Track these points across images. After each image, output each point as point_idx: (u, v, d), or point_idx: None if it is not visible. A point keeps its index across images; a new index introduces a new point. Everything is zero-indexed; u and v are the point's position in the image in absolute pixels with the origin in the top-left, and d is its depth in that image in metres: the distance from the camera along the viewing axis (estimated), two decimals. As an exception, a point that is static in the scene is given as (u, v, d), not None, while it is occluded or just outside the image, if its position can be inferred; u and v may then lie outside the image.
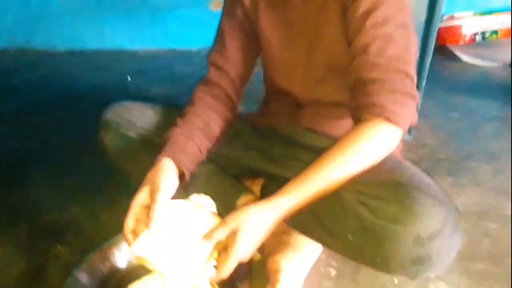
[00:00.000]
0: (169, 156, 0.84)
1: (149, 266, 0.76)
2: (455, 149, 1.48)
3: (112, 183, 1.28)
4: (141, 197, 0.79)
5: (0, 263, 1.02)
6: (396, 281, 0.92)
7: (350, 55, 0.80)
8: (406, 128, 0.78)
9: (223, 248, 0.74)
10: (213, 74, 0.97)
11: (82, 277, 0.87)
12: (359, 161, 0.76)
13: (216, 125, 0.95)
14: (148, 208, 0.78)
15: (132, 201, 0.79)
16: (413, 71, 0.79)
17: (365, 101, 0.77)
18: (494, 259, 0.97)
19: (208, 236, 0.74)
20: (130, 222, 0.80)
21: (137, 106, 1.03)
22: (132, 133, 0.99)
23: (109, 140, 1.00)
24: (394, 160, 0.83)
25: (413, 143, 1.47)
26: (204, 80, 0.99)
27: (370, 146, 0.76)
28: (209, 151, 0.96)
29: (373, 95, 0.76)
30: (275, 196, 0.75)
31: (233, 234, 0.72)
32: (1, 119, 1.85)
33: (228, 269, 0.72)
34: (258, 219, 0.73)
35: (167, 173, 0.82)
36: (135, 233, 0.79)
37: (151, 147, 0.94)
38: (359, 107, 0.78)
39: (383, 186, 0.75)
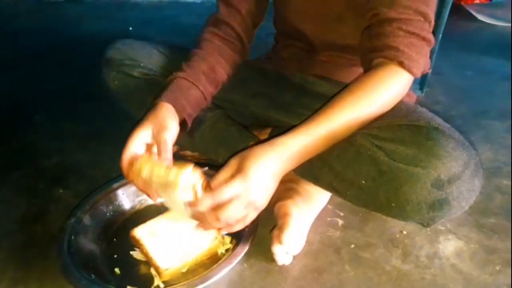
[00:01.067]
0: (170, 101, 0.80)
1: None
2: (468, 106, 1.44)
3: (115, 127, 1.24)
4: (144, 133, 0.75)
5: (1, 206, 0.99)
6: (405, 232, 0.90)
7: None
8: (419, 75, 0.74)
9: None
10: (222, 11, 0.91)
11: (85, 218, 0.85)
12: (370, 105, 0.72)
13: (222, 70, 0.90)
14: (149, 145, 0.75)
15: (132, 134, 0.75)
16: (432, 14, 0.74)
17: (380, 43, 0.73)
18: (505, 214, 0.95)
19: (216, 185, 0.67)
20: (127, 155, 0.75)
21: (142, 45, 0.98)
22: (135, 72, 0.95)
23: (111, 79, 0.96)
24: (410, 105, 0.79)
25: (425, 100, 1.43)
26: (212, 19, 0.93)
27: (382, 90, 0.73)
28: (214, 97, 0.92)
29: (390, 36, 0.71)
30: (283, 137, 0.70)
31: (239, 167, 0.66)
32: (1, 65, 1.79)
33: (245, 224, 0.69)
34: (264, 156, 0.67)
35: (169, 116, 0.78)
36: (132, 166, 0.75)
37: (156, 87, 0.90)
38: (373, 48, 0.74)
39: (400, 129, 0.71)
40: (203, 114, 0.95)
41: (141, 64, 0.96)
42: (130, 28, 2.23)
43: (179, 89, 0.83)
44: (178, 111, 0.80)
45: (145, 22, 2.35)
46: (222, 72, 0.91)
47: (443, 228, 0.91)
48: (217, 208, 0.65)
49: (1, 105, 1.46)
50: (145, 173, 0.71)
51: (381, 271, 0.81)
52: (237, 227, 0.68)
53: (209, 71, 0.88)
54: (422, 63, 0.72)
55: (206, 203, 0.65)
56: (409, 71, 0.71)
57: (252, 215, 0.68)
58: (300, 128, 0.71)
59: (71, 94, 1.51)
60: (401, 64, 0.71)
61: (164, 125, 0.75)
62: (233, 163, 0.68)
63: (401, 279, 0.80)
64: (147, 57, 0.97)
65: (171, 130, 0.75)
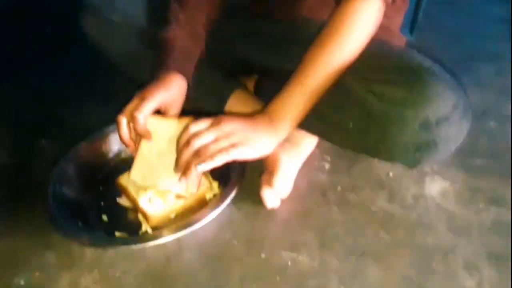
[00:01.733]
0: (179, 69, 0.78)
1: None
2: (458, 49, 1.42)
3: (96, 77, 1.22)
4: (153, 105, 0.74)
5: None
6: (391, 174, 0.90)
7: None
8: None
9: None
10: None
11: (70, 168, 0.83)
12: (351, 40, 0.72)
13: (202, 29, 0.88)
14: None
15: (142, 104, 0.73)
16: None
17: None
18: (491, 155, 0.96)
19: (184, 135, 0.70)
20: (124, 130, 0.75)
21: None
22: (113, 17, 0.90)
23: (89, 24, 0.92)
24: (402, 47, 0.77)
25: (415, 43, 1.39)
26: None
27: (358, 23, 0.72)
28: None
29: None
30: (273, 103, 0.73)
31: None
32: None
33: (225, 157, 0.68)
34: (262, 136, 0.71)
35: (179, 92, 0.78)
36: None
37: (136, 33, 0.86)
38: None
39: (391, 70, 0.71)
40: None
41: (120, 7, 0.91)
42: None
43: (185, 53, 0.81)
44: (186, 77, 0.79)
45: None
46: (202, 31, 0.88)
47: (429, 169, 0.91)
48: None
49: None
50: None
51: (368, 212, 0.82)
52: (216, 159, 0.66)
53: (207, 23, 0.85)
54: None
55: (184, 137, 0.68)
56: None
57: (232, 150, 0.67)
58: (292, 84, 0.72)
59: (48, 43, 1.44)
60: None
61: (175, 104, 0.76)
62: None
63: (387, 219, 0.81)
64: (125, 1, 0.92)
65: (179, 108, 0.77)
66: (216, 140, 0.67)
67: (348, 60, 0.73)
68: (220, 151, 0.66)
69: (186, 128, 0.69)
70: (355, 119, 0.74)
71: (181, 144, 0.68)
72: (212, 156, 0.65)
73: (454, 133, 0.69)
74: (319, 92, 0.73)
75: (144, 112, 0.71)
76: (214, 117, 0.70)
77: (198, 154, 0.66)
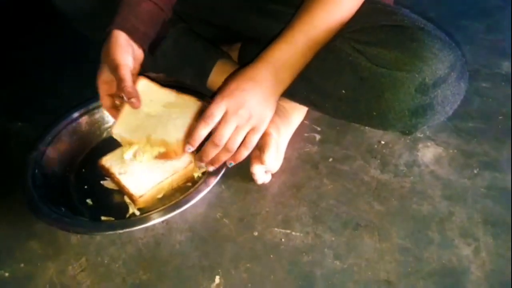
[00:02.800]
0: (119, 26, 0.69)
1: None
2: (447, 7, 1.37)
3: (70, 51, 1.16)
4: (104, 76, 0.70)
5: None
6: (383, 142, 0.88)
7: None
8: None
9: None
10: None
11: (49, 151, 0.79)
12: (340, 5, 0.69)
13: None
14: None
15: (97, 80, 0.71)
16: None
17: None
18: (484, 117, 0.94)
19: (205, 120, 0.65)
20: (105, 99, 0.72)
21: None
22: None
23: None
24: (393, 6, 0.73)
25: (402, 1, 1.34)
26: None
27: None
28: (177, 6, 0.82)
29: None
30: (264, 58, 0.68)
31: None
32: None
33: (205, 131, 0.66)
34: (260, 94, 0.67)
35: (120, 49, 0.68)
36: (116, 108, 0.74)
37: (108, 2, 0.80)
38: None
39: (383, 30, 0.67)
40: (163, 29, 0.85)
41: None
42: None
43: (127, 6, 0.71)
44: (131, 34, 0.70)
45: None
46: None
47: (422, 135, 0.89)
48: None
49: None
50: None
51: (360, 182, 0.80)
52: (243, 153, 0.68)
53: None
54: None
55: (201, 132, 0.66)
56: None
57: (253, 137, 0.68)
58: (282, 39, 0.68)
59: (18, 19, 1.35)
60: None
61: (116, 63, 0.66)
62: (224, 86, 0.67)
63: (380, 188, 0.79)
64: None
65: (125, 65, 0.67)
66: (237, 128, 0.66)
67: (347, 15, 0.69)
68: (245, 144, 0.68)
69: (203, 119, 0.66)
70: (347, 85, 0.71)
71: (201, 136, 0.67)
72: (240, 153, 0.68)
73: (451, 95, 0.67)
74: (318, 46, 0.69)
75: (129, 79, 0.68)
76: (224, 95, 0.66)
77: (227, 149, 0.67)
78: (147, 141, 0.72)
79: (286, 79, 0.69)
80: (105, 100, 0.73)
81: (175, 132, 0.71)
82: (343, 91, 0.71)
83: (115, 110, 0.74)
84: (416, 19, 0.70)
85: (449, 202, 0.76)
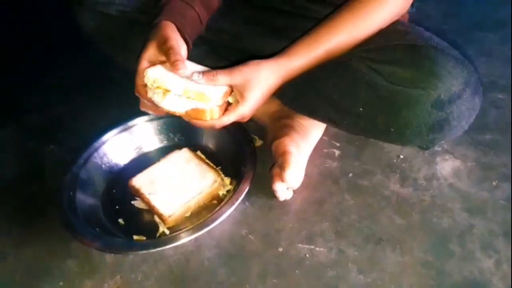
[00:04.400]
0: (169, 19, 0.72)
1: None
2: (461, 19, 1.38)
3: (97, 77, 1.20)
4: (149, 53, 0.70)
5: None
6: (402, 156, 0.90)
7: None
8: None
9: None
10: None
11: (82, 173, 0.84)
12: (366, 23, 0.72)
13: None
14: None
15: (139, 58, 0.70)
16: None
17: None
18: (501, 129, 0.95)
19: (210, 77, 0.68)
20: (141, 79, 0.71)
21: None
22: (112, 11, 0.87)
23: (86, 20, 0.89)
24: (406, 24, 0.76)
25: (416, 15, 1.36)
26: None
27: (379, 8, 0.71)
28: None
29: None
30: (286, 56, 0.71)
31: (241, 88, 0.69)
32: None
33: (227, 121, 0.70)
34: (268, 77, 0.69)
35: (171, 30, 0.71)
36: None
37: (136, 25, 0.84)
38: None
39: (397, 49, 0.70)
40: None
41: (116, 1, 0.88)
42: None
43: (175, 9, 0.75)
44: (179, 29, 0.73)
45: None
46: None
47: (440, 149, 0.91)
48: None
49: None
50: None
51: (381, 197, 0.83)
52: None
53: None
54: None
55: (206, 126, 0.71)
56: None
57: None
58: (302, 48, 0.71)
59: (44, 43, 1.42)
60: None
61: (166, 36, 0.69)
62: (238, 78, 0.68)
63: (401, 203, 0.81)
64: None
65: (175, 38, 0.69)
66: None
67: (360, 41, 0.72)
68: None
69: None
70: (365, 102, 0.73)
71: (205, 126, 0.71)
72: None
73: (467, 110, 0.69)
74: (332, 58, 0.73)
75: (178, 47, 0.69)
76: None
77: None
78: (184, 92, 0.68)
79: (291, 81, 0.73)
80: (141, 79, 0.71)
81: (214, 92, 0.68)
82: (361, 109, 0.74)
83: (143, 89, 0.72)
84: (429, 38, 0.72)
85: (469, 214, 0.78)
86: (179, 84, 0.67)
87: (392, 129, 0.72)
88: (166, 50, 0.68)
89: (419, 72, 0.66)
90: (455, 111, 0.66)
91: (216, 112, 0.68)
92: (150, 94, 0.70)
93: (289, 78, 0.72)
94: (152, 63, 0.70)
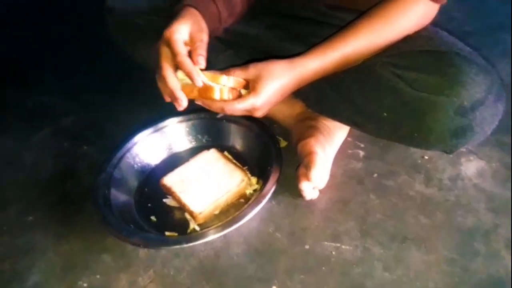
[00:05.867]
0: (194, 6, 0.74)
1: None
2: (484, 20, 1.38)
3: (124, 79, 1.25)
4: (183, 28, 0.70)
5: (30, 166, 1.02)
6: (426, 157, 0.91)
7: None
8: (445, 1, 0.73)
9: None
10: None
11: (115, 172, 0.87)
12: (387, 32, 0.73)
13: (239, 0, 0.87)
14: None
15: (171, 29, 0.69)
16: None
17: None
18: (526, 130, 0.95)
19: (227, 72, 0.71)
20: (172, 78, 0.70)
21: None
22: (140, 19, 0.91)
23: (116, 29, 0.93)
24: (431, 29, 0.77)
25: (439, 17, 1.37)
26: None
27: (401, 18, 0.73)
28: (226, 31, 0.88)
29: None
30: (301, 57, 0.73)
31: (254, 82, 0.71)
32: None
33: (237, 110, 0.71)
34: (281, 74, 0.71)
35: (202, 19, 0.73)
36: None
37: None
38: None
39: (421, 55, 0.71)
40: (214, 55, 0.93)
41: (146, 10, 0.92)
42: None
43: (197, 1, 0.76)
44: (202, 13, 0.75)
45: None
46: (238, 1, 0.86)
47: (464, 150, 0.92)
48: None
49: (9, 66, 1.44)
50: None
51: (406, 197, 0.84)
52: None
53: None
54: None
55: (216, 107, 0.72)
56: (435, 1, 0.71)
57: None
58: (317, 52, 0.73)
59: (76, 46, 1.48)
60: None
61: (202, 26, 0.72)
62: (252, 72, 0.71)
63: (425, 203, 0.82)
64: (150, 2, 0.93)
65: (207, 32, 0.72)
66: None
67: (380, 49, 0.74)
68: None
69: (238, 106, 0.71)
70: (389, 108, 0.75)
71: (215, 109, 0.73)
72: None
73: (489, 117, 0.69)
74: (349, 65, 0.75)
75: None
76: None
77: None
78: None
79: (300, 85, 0.75)
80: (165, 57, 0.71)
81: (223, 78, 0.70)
82: (385, 114, 0.75)
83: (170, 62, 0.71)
84: (452, 44, 0.73)
85: (493, 214, 0.79)
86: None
87: (415, 134, 0.73)
88: (196, 40, 0.70)
89: (442, 79, 0.68)
90: (478, 117, 0.67)
91: (226, 92, 0.70)
92: None
93: (304, 80, 0.74)
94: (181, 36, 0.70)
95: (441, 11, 0.97)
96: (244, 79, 0.72)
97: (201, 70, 0.69)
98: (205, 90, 0.70)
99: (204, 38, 0.70)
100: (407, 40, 0.75)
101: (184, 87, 0.70)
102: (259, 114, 0.73)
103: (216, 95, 0.70)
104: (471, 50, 0.73)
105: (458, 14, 1.41)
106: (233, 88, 0.71)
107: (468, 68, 0.67)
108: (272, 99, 0.72)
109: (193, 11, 0.74)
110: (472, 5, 1.46)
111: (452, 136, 0.70)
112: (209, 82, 0.70)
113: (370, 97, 0.77)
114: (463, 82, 0.66)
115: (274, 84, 0.71)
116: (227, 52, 0.97)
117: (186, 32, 0.70)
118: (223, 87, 0.70)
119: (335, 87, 0.83)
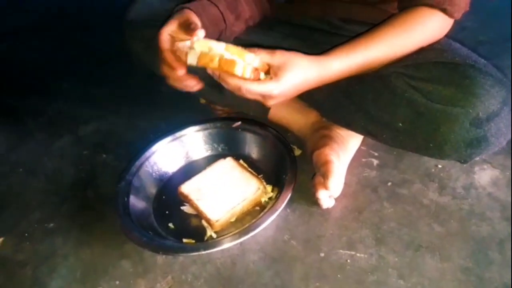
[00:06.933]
0: (190, 8, 0.76)
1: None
2: (496, 30, 1.39)
3: (145, 88, 1.28)
4: (170, 27, 0.73)
5: (51, 174, 1.05)
6: (440, 165, 0.92)
7: None
8: (460, 16, 0.75)
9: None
10: None
11: (134, 181, 0.89)
12: (407, 42, 0.75)
13: (246, 5, 0.89)
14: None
15: (160, 30, 0.72)
16: None
17: None
18: (540, 139, 0.95)
19: (253, 50, 0.70)
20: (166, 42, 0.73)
21: (162, 2, 0.95)
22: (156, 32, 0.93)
23: (135, 43, 0.96)
24: (445, 41, 0.78)
25: (452, 26, 1.38)
26: None
27: (420, 30, 0.75)
28: (242, 43, 0.90)
29: None
30: (325, 55, 0.74)
31: (277, 69, 0.70)
32: (18, 35, 1.79)
33: (253, 92, 0.69)
34: (305, 68, 0.71)
35: (194, 16, 0.74)
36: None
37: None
38: None
39: (436, 67, 0.72)
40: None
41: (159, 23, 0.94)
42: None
43: (197, 3, 0.79)
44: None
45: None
46: (245, 6, 0.89)
47: (478, 158, 0.91)
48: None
49: (31, 74, 1.48)
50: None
51: (419, 205, 0.85)
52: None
53: (231, 0, 0.86)
54: (463, 5, 0.74)
55: (233, 84, 0.69)
56: (451, 16, 0.73)
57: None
58: (341, 53, 0.74)
59: (95, 56, 1.52)
60: (444, 11, 0.72)
61: (193, 19, 0.73)
62: (278, 58, 0.70)
63: (439, 211, 0.83)
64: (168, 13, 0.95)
65: (197, 20, 0.73)
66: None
67: (398, 57, 0.76)
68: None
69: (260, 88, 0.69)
70: (404, 118, 0.76)
71: (231, 87, 0.70)
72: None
73: (504, 127, 0.70)
74: (369, 68, 0.76)
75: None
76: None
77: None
78: (225, 48, 0.67)
79: (320, 84, 0.74)
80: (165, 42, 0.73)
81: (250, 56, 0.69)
82: (400, 124, 0.76)
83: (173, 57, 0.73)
84: (466, 56, 0.74)
85: (508, 223, 0.79)
86: (220, 45, 0.67)
87: (431, 145, 0.74)
88: (188, 25, 0.70)
89: (458, 91, 0.69)
90: (493, 128, 0.68)
91: (248, 71, 0.67)
92: (188, 58, 0.70)
93: (325, 79, 0.74)
94: (171, 38, 0.72)
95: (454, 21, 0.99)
96: (268, 63, 0.70)
97: (228, 43, 0.68)
98: (228, 63, 0.66)
99: (194, 21, 0.71)
100: (421, 52, 0.76)
101: (203, 57, 0.67)
102: (271, 102, 0.72)
103: (239, 71, 0.66)
104: (485, 62, 0.74)
105: (470, 23, 1.42)
106: (255, 69, 0.69)
107: (483, 79, 0.69)
108: (290, 91, 0.71)
109: (185, 10, 0.75)
110: (485, 15, 1.47)
111: (467, 147, 0.71)
112: (234, 56, 0.67)
113: (385, 108, 0.79)
114: (478, 94, 0.67)
115: (297, 76, 0.70)
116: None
117: (174, 28, 0.72)
118: (246, 65, 0.67)
119: (349, 97, 0.85)
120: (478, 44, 1.32)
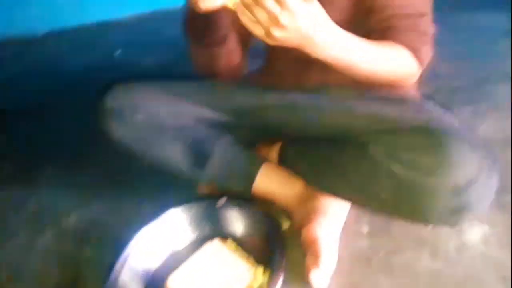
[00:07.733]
0: None
1: None
2: (470, 74, 1.42)
3: (130, 171, 1.25)
4: None
5: (35, 276, 1.01)
6: (430, 227, 0.91)
7: None
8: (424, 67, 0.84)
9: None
10: None
11: (121, 277, 0.86)
12: (388, 62, 0.81)
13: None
14: None
15: None
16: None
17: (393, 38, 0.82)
18: (522, 188, 0.95)
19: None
20: None
21: (142, 89, 0.96)
22: (136, 118, 0.92)
23: (114, 130, 0.94)
24: (416, 101, 0.80)
25: (426, 75, 1.41)
26: None
27: (398, 59, 0.82)
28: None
29: (401, 33, 0.82)
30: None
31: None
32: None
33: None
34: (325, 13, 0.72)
35: None
36: None
37: (164, 131, 0.91)
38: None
39: (411, 133, 0.73)
40: (211, 142, 0.95)
41: (146, 109, 0.94)
42: (119, 51, 2.21)
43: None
44: None
45: (130, 42, 2.33)
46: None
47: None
48: None
49: (13, 164, 1.47)
50: None
51: (414, 274, 0.83)
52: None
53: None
54: (430, 56, 0.85)
55: None
56: (421, 65, 0.84)
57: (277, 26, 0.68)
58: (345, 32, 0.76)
59: (77, 142, 1.51)
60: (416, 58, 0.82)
61: None
62: None
63: (434, 279, 0.81)
64: (149, 101, 0.95)
65: None
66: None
67: (382, 76, 0.82)
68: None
69: None
70: (386, 190, 0.76)
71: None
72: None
73: (485, 192, 0.70)
74: (355, 68, 0.79)
75: None
76: None
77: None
78: None
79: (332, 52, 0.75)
80: None
81: None
82: (383, 195, 0.76)
83: None
84: (440, 117, 0.76)
85: (504, 283, 0.78)
86: None
87: (415, 214, 0.75)
88: None
89: (435, 160, 0.69)
90: (473, 194, 0.68)
91: None
92: None
93: (333, 41, 0.74)
94: None
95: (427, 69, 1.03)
96: None
97: None
98: None
99: None
100: (395, 107, 0.79)
101: None
102: (287, 22, 0.67)
103: None
104: (460, 125, 0.75)
105: (444, 70, 1.45)
106: None
107: (458, 147, 0.69)
108: (311, 21, 0.69)
109: None
110: (458, 59, 1.50)
111: (451, 214, 0.71)
112: None
113: (367, 179, 0.79)
114: (454, 163, 0.68)
115: (321, 10, 0.71)
116: (224, 139, 0.98)
117: None
118: None
119: (332, 166, 0.85)
120: (454, 91, 1.34)
